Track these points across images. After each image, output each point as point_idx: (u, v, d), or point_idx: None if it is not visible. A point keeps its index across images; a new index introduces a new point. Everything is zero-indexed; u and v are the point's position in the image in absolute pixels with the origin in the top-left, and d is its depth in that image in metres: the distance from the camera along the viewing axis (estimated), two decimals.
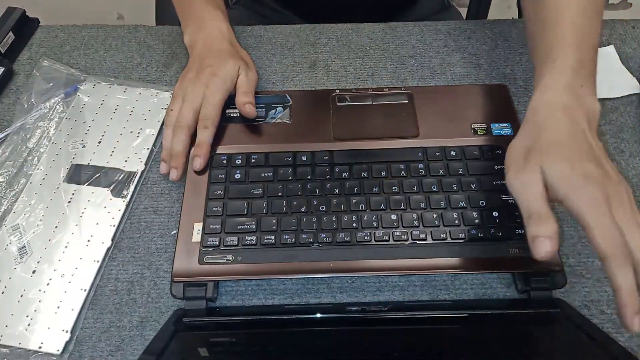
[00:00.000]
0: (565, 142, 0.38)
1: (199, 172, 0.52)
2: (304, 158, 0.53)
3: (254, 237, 0.48)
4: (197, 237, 0.48)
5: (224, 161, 0.53)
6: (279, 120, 0.56)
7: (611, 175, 0.37)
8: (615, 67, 0.61)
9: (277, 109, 0.57)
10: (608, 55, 0.62)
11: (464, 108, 0.56)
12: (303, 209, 0.49)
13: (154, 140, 0.57)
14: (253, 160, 0.53)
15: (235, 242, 0.48)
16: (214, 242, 0.48)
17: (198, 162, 0.52)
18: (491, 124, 0.55)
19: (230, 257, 0.47)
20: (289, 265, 0.47)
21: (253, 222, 0.49)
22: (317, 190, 0.50)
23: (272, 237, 0.48)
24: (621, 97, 0.59)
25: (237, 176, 0.52)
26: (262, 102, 0.58)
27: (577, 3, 0.44)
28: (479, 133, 0.54)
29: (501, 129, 0.54)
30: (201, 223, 0.49)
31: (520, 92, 0.60)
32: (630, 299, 0.34)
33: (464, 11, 0.93)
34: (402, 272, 0.47)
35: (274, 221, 0.49)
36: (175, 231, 0.52)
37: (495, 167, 0.51)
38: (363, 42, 0.66)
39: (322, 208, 0.49)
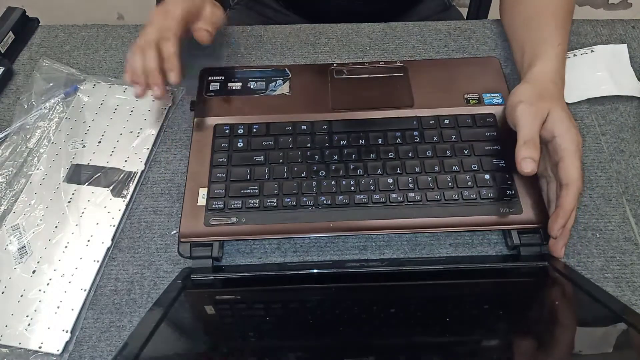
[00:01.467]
0: (557, 95, 0.50)
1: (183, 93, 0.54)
2: (303, 127, 0.55)
3: (256, 201, 0.50)
4: (202, 201, 0.50)
5: (227, 131, 0.55)
6: (279, 93, 0.58)
7: (579, 133, 0.49)
8: (623, 66, 0.61)
9: (277, 81, 0.59)
10: (620, 53, 0.62)
11: (456, 79, 0.59)
12: (303, 175, 0.51)
13: (154, 140, 0.57)
14: (255, 130, 0.55)
15: (239, 205, 0.50)
16: (219, 206, 0.50)
17: (173, 76, 0.51)
18: (483, 94, 0.57)
19: (234, 219, 0.49)
20: (290, 225, 0.49)
21: (255, 187, 0.51)
22: (317, 157, 0.52)
23: (274, 200, 0.50)
24: (621, 96, 0.59)
25: (240, 145, 0.54)
26: (263, 76, 0.60)
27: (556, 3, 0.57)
28: (471, 102, 0.56)
29: (492, 98, 0.57)
30: (206, 188, 0.51)
31: None
32: (566, 217, 0.45)
33: (464, 11, 0.93)
34: (399, 230, 0.49)
35: (276, 185, 0.51)
36: (175, 231, 0.52)
37: (487, 134, 0.54)
38: (363, 42, 0.66)
39: (322, 173, 0.51)
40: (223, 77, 0.59)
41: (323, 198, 0.50)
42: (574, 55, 0.62)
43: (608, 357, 0.36)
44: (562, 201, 0.45)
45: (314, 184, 0.51)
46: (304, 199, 0.50)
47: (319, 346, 0.39)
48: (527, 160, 0.45)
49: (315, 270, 0.48)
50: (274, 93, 0.58)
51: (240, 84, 0.58)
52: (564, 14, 0.56)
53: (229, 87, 0.58)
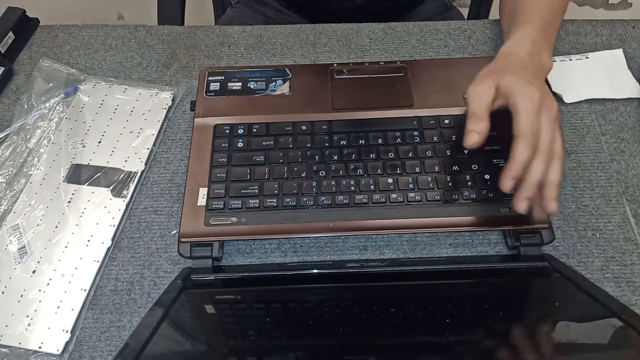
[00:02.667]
0: (519, 67, 0.49)
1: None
2: (303, 127, 0.55)
3: (256, 201, 0.50)
4: (202, 201, 0.50)
5: (227, 131, 0.55)
6: (279, 93, 0.58)
7: (551, 96, 0.46)
8: (620, 69, 0.62)
9: (277, 81, 0.59)
10: (616, 57, 0.63)
11: (456, 79, 0.58)
12: (303, 175, 0.51)
13: (154, 140, 0.57)
14: (255, 130, 0.55)
15: (239, 205, 0.50)
16: (219, 206, 0.50)
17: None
18: None
19: (234, 219, 0.49)
20: (290, 225, 0.49)
21: (256, 187, 0.51)
22: (317, 157, 0.53)
23: (274, 200, 0.50)
24: (621, 98, 0.59)
25: (240, 145, 0.54)
26: (263, 76, 0.60)
27: None
28: None
29: None
30: (206, 188, 0.51)
31: None
32: (516, 168, 0.43)
33: (464, 11, 0.93)
34: (399, 230, 0.49)
35: (276, 185, 0.51)
36: (175, 231, 0.52)
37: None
38: (363, 42, 0.66)
39: (322, 173, 0.51)
40: (223, 77, 0.59)
41: (323, 198, 0.50)
42: (570, 59, 0.62)
43: (608, 358, 0.36)
44: (514, 154, 0.44)
45: (314, 184, 0.51)
46: (304, 199, 0.50)
47: (319, 346, 0.39)
48: (471, 133, 0.45)
49: (315, 271, 0.48)
50: (274, 93, 0.58)
51: (240, 84, 0.58)
52: (557, 9, 0.56)
53: (229, 87, 0.58)
